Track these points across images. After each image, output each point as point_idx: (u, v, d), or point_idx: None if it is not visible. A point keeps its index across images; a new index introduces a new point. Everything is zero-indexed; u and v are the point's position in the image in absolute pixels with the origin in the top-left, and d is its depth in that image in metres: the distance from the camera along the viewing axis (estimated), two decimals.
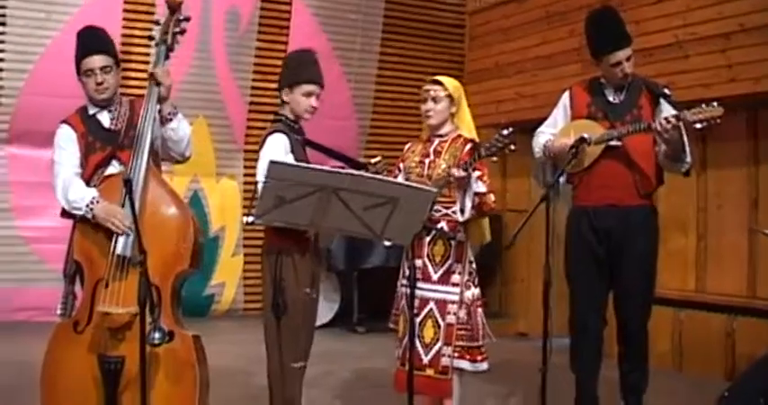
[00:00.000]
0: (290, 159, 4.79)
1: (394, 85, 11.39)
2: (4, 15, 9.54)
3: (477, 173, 5.07)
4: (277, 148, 4.84)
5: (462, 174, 4.93)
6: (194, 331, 4.89)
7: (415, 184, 4.70)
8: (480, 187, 5.11)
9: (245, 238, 10.50)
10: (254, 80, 10.59)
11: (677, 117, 5.13)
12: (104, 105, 5.06)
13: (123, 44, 9.37)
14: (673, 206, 8.48)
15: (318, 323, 9.36)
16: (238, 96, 10.58)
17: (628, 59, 5.51)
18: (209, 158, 10.47)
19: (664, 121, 5.13)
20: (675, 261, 8.48)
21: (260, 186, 4.19)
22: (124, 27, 9.79)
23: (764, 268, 7.79)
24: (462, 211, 5.12)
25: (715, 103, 5.08)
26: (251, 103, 10.61)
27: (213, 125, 10.42)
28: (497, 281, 10.97)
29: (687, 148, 5.41)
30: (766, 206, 7.87)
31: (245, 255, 10.55)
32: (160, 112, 4.97)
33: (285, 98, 5.05)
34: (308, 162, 4.97)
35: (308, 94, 5.04)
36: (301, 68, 5.10)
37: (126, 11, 9.93)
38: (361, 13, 11.21)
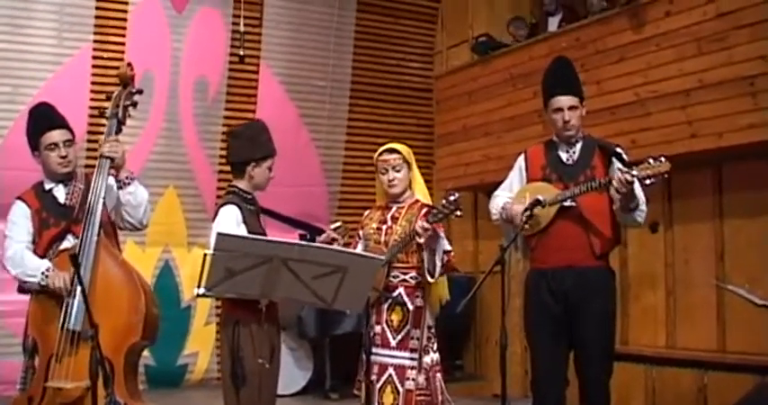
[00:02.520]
0: (242, 230, 4.82)
1: (363, 151, 11.36)
2: None
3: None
4: (228, 219, 4.88)
5: (428, 227, 4.93)
6: (165, 402, 4.90)
7: (362, 253, 4.74)
8: (447, 245, 5.17)
9: (218, 307, 10.42)
10: (222, 149, 10.55)
11: (627, 172, 5.17)
12: (62, 180, 5.11)
13: (91, 116, 9.37)
14: (641, 262, 8.53)
15: (291, 391, 9.46)
16: (207, 165, 10.58)
17: (571, 109, 5.58)
18: (181, 228, 10.43)
19: (623, 176, 5.15)
20: (646, 317, 8.50)
21: (208, 258, 4.19)
22: (92, 99, 9.80)
23: (733, 322, 7.78)
24: (431, 271, 5.13)
25: (662, 158, 5.09)
26: (220, 171, 10.60)
27: (183, 195, 10.40)
28: (472, 343, 10.93)
29: (640, 199, 5.42)
30: (732, 260, 7.88)
31: (218, 323, 10.48)
32: (117, 177, 5.01)
33: (252, 172, 5.11)
34: (264, 232, 5.01)
35: (271, 167, 5.12)
36: (263, 141, 5.17)
37: (93, 83, 9.95)
38: (328, 80, 11.26)
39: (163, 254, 10.33)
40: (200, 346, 10.47)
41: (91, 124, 9.37)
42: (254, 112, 10.73)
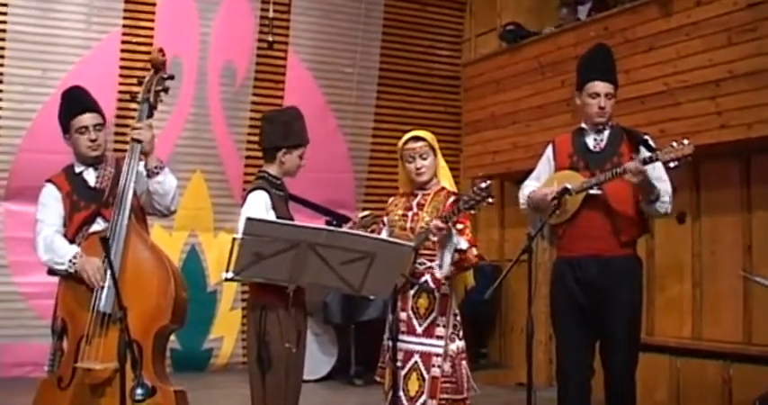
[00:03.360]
0: (271, 216, 4.84)
1: (390, 138, 11.35)
2: (1, 73, 9.62)
3: (458, 226, 5.09)
4: (257, 204, 4.89)
5: (441, 225, 4.94)
6: (190, 385, 4.93)
7: (391, 239, 4.75)
8: (462, 243, 5.12)
9: (243, 292, 10.48)
10: (249, 134, 10.62)
11: (648, 159, 5.16)
12: (93, 163, 5.15)
13: (120, 100, 9.43)
14: (668, 253, 8.50)
15: (316, 376, 9.49)
16: (234, 151, 10.63)
17: (607, 97, 5.58)
18: (207, 213, 10.49)
19: (632, 165, 5.16)
20: (672, 308, 8.47)
21: (237, 243, 4.21)
22: (120, 84, 9.85)
23: (760, 314, 7.76)
24: (440, 267, 5.14)
25: (686, 141, 5.09)
26: (247, 157, 10.64)
27: (210, 180, 10.46)
28: (497, 331, 10.94)
29: (662, 189, 5.43)
30: (759, 251, 7.85)
31: (244, 308, 10.53)
32: (146, 166, 5.04)
33: (282, 159, 5.11)
34: (291, 218, 5.02)
35: (302, 155, 5.12)
36: (297, 129, 5.18)
37: (122, 67, 10.01)
38: (356, 67, 11.29)
39: (189, 238, 10.41)
40: (226, 331, 10.53)
41: (119, 108, 9.42)
42: (281, 98, 10.78)
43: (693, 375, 8.03)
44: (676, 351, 8.20)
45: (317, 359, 9.59)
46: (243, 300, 10.46)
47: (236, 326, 10.56)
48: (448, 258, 5.09)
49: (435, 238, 5.04)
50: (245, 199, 5.03)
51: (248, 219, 4.19)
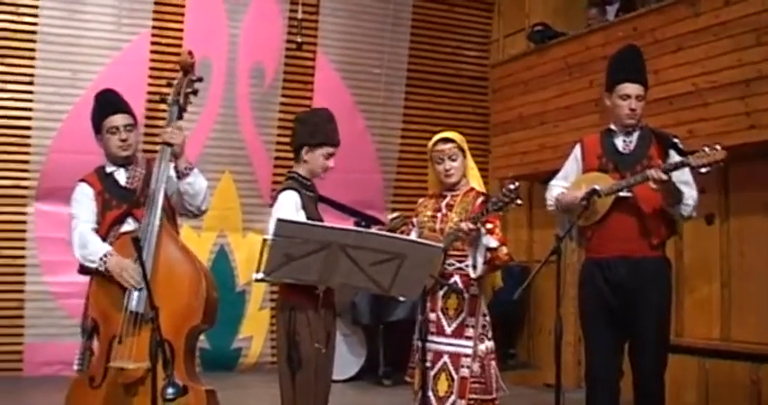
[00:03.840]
0: (301, 216, 4.86)
1: (419, 139, 11.38)
2: (32, 75, 9.72)
3: (488, 225, 5.11)
4: (288, 205, 4.91)
5: (471, 226, 4.96)
6: (219, 385, 4.96)
7: (421, 240, 4.76)
8: (491, 242, 5.14)
9: (272, 292, 10.52)
10: (278, 135, 10.67)
11: (680, 164, 5.16)
12: (123, 164, 5.22)
13: (149, 101, 9.50)
14: (697, 254, 8.48)
15: (345, 376, 9.52)
16: (263, 151, 10.69)
17: (638, 98, 5.58)
18: (236, 213, 10.55)
19: (654, 172, 5.17)
20: (700, 309, 8.46)
21: (268, 244, 4.23)
22: (150, 84, 9.94)
23: None
24: (475, 267, 5.16)
25: (718, 146, 5.08)
26: (276, 157, 10.69)
27: (239, 180, 10.52)
28: (525, 332, 10.95)
29: (686, 193, 5.43)
30: None
31: (272, 308, 10.57)
32: (176, 167, 5.08)
33: (306, 157, 5.14)
34: (321, 219, 5.04)
35: (329, 156, 5.14)
36: (323, 129, 5.19)
37: (152, 69, 10.09)
38: (384, 68, 11.32)
39: (218, 239, 10.48)
40: (255, 331, 10.59)
41: (149, 109, 9.49)
42: (310, 98, 10.84)
43: (722, 377, 8.01)
44: (705, 352, 8.18)
45: (346, 359, 9.62)
46: (272, 300, 10.51)
47: (265, 326, 10.61)
48: (480, 258, 5.11)
49: (466, 239, 5.05)
50: (275, 199, 5.05)
51: (279, 220, 4.22)
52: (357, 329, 9.86)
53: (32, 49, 9.72)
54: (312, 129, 5.17)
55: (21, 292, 9.75)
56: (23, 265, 9.80)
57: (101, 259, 4.87)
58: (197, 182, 5.18)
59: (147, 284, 4.31)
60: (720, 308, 8.37)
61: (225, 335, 10.12)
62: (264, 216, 10.56)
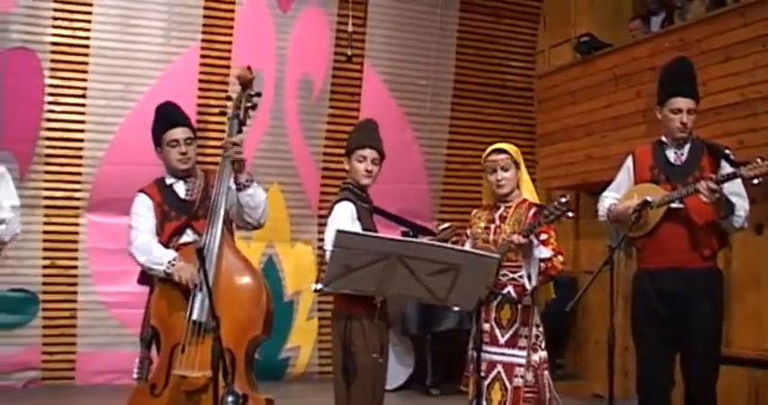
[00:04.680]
0: (356, 227, 4.93)
1: (465, 149, 11.47)
2: (85, 88, 9.88)
3: (542, 236, 5.15)
4: (344, 216, 4.99)
5: (523, 240, 5.02)
6: (269, 395, 5.02)
7: (477, 251, 4.81)
8: (544, 253, 5.16)
9: (320, 303, 10.60)
10: (326, 146, 10.78)
11: (732, 175, 5.19)
12: (183, 176, 5.30)
13: (199, 113, 9.62)
14: (746, 263, 8.45)
15: (393, 386, 9.56)
16: (311, 163, 10.78)
17: (690, 112, 5.62)
18: (284, 224, 10.63)
19: (704, 185, 5.20)
20: (750, 319, 8.42)
21: (327, 255, 4.31)
22: (199, 97, 10.07)
23: None
24: (529, 278, 5.20)
25: None
26: (324, 168, 10.79)
27: (287, 191, 10.61)
28: (571, 343, 10.95)
29: (737, 204, 5.44)
30: None
31: (320, 318, 10.64)
32: (237, 180, 5.17)
33: (346, 166, 5.25)
34: (375, 229, 5.11)
35: (361, 159, 5.21)
36: (356, 136, 5.34)
37: (201, 81, 10.22)
38: (431, 79, 11.38)
39: (266, 249, 10.56)
40: (302, 341, 10.67)
41: (199, 121, 9.59)
42: (357, 110, 10.93)
43: None
44: (755, 363, 8.15)
45: (394, 369, 9.65)
46: (320, 309, 10.60)
47: (313, 335, 10.69)
48: (534, 269, 5.15)
49: (519, 251, 5.11)
50: (331, 209, 5.14)
51: (338, 231, 4.29)
52: (405, 339, 9.92)
53: (85, 63, 9.88)
54: (349, 139, 5.34)
55: (74, 301, 9.90)
56: (76, 276, 9.95)
57: (169, 262, 4.95)
58: (257, 194, 5.26)
59: (209, 294, 4.39)
60: None
61: (273, 345, 10.14)
62: (312, 227, 10.73)
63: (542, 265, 5.15)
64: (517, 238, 5.03)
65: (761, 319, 8.40)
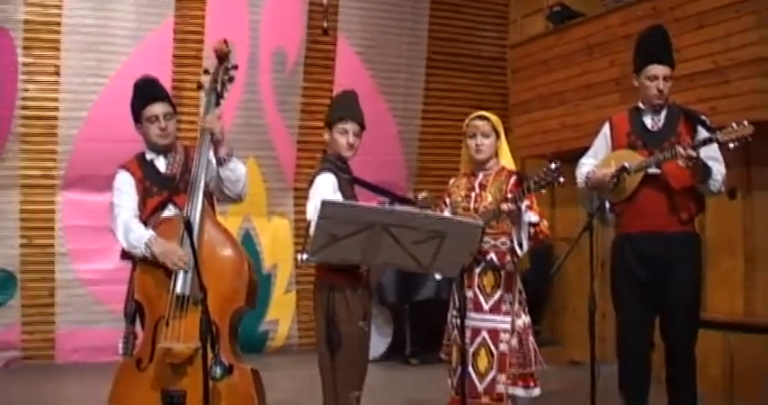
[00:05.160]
0: (338, 198, 4.94)
1: (439, 120, 11.53)
2: (58, 65, 9.83)
3: (525, 202, 5.21)
4: (325, 187, 4.99)
5: (512, 207, 5.07)
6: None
7: (461, 219, 4.86)
8: (533, 217, 5.25)
9: (298, 275, 10.65)
10: (301, 119, 10.79)
11: (708, 140, 5.25)
12: (163, 151, 5.30)
13: (174, 89, 9.57)
14: (719, 229, 8.52)
15: (372, 356, 9.48)
16: (287, 136, 10.79)
17: (666, 79, 5.68)
18: (261, 198, 10.63)
19: (682, 150, 5.26)
20: (723, 284, 8.49)
21: (312, 225, 4.33)
22: (174, 72, 10.04)
23: None
24: (520, 245, 5.26)
25: (746, 122, 5.17)
26: (299, 141, 10.80)
27: (263, 165, 10.60)
28: (548, 309, 11.04)
29: (714, 168, 5.52)
30: None
31: (298, 291, 10.70)
32: (217, 154, 5.19)
33: (326, 137, 5.24)
34: (356, 200, 5.13)
35: (343, 132, 5.19)
36: (336, 107, 5.32)
37: (175, 56, 10.19)
38: (404, 50, 11.41)
39: (244, 223, 10.57)
40: (281, 314, 10.71)
41: (174, 96, 9.47)
42: (331, 82, 10.93)
43: (747, 351, 8.06)
44: (729, 326, 8.22)
45: (373, 339, 9.55)
46: (298, 282, 10.65)
47: (291, 308, 10.74)
48: (525, 234, 5.21)
49: (509, 218, 5.15)
50: (312, 181, 5.14)
51: (324, 201, 4.30)
52: (383, 309, 9.95)
53: (58, 40, 9.83)
54: (329, 109, 5.33)
55: (52, 280, 9.89)
56: (53, 254, 9.93)
57: (145, 245, 4.95)
58: (237, 168, 5.28)
59: (197, 266, 4.41)
60: (744, 282, 8.42)
61: (252, 318, 10.06)
62: (288, 200, 10.75)
63: (531, 229, 5.21)
64: (507, 207, 5.08)
65: (734, 283, 8.48)
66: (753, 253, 8.38)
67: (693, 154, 5.24)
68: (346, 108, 5.28)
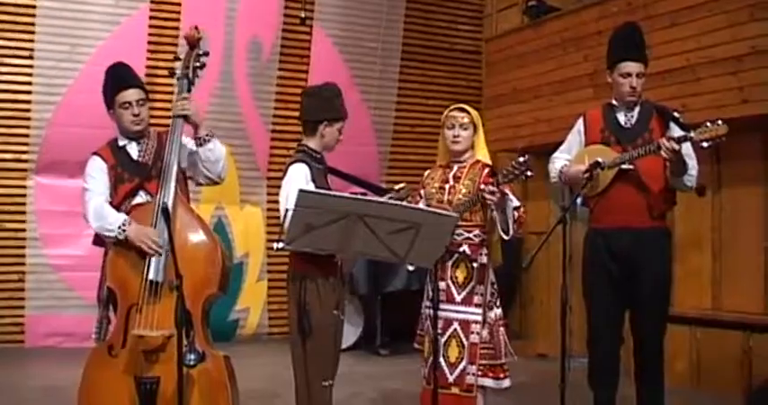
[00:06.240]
0: (310, 188, 4.96)
1: (413, 112, 11.59)
2: (32, 49, 9.81)
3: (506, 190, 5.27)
4: (298, 177, 5.01)
5: (494, 189, 5.10)
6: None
7: (436, 210, 4.89)
8: (515, 201, 5.34)
9: (269, 264, 10.69)
10: (276, 109, 10.81)
11: (683, 138, 5.30)
12: (135, 137, 5.28)
13: (148, 75, 9.55)
14: (688, 225, 8.60)
15: (342, 346, 9.59)
16: (261, 125, 10.81)
17: (639, 76, 5.72)
18: (234, 186, 10.65)
19: (666, 142, 5.30)
20: (691, 280, 8.59)
21: (289, 214, 4.35)
22: (148, 58, 10.02)
23: None
24: (506, 230, 5.30)
25: (720, 121, 5.22)
26: (273, 131, 10.83)
27: (237, 153, 10.59)
28: (517, 303, 11.10)
29: (691, 163, 5.57)
30: None
31: (270, 280, 10.73)
32: (197, 134, 5.21)
33: (324, 131, 5.23)
34: (330, 190, 5.15)
35: (341, 130, 5.26)
36: (337, 104, 5.30)
37: (150, 43, 10.18)
38: (380, 42, 11.43)
39: (216, 211, 10.61)
40: (252, 302, 10.75)
41: (148, 83, 9.46)
42: (306, 72, 10.96)
43: (714, 346, 8.17)
44: (696, 322, 8.33)
45: (344, 329, 9.74)
46: (269, 271, 10.66)
47: (262, 297, 10.77)
48: (511, 219, 5.27)
49: (492, 201, 5.16)
50: (285, 171, 5.14)
51: (300, 190, 4.32)
52: (354, 300, 9.97)
53: (32, 24, 9.81)
54: (328, 104, 5.28)
55: (22, 264, 9.90)
56: (24, 238, 9.94)
57: (119, 228, 4.93)
58: (216, 148, 5.28)
59: (173, 253, 4.42)
60: (711, 278, 8.53)
61: (222, 306, 10.13)
62: (261, 189, 10.77)
63: (515, 213, 5.26)
64: (490, 189, 5.10)
65: (702, 279, 8.58)
66: (720, 249, 8.46)
67: (677, 147, 5.28)
68: (343, 107, 5.34)
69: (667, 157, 5.34)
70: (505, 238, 5.33)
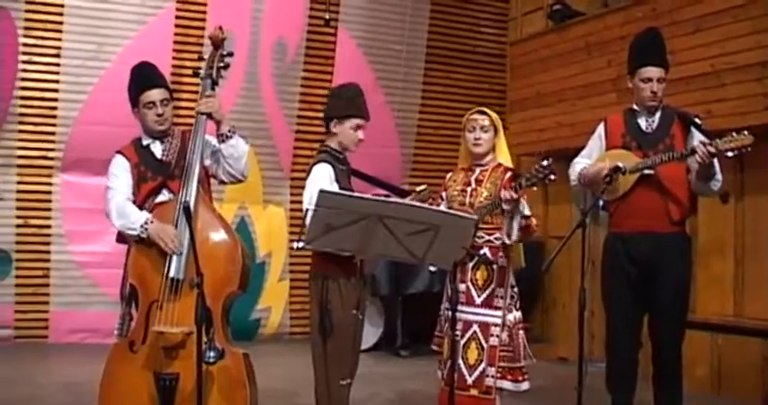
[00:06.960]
0: (334, 188, 4.98)
1: (437, 114, 11.60)
2: (59, 48, 9.88)
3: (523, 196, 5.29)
4: (322, 177, 5.04)
5: (514, 195, 5.14)
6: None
7: (456, 212, 4.93)
8: (527, 210, 5.35)
9: (291, 264, 10.71)
10: (300, 109, 10.84)
11: (710, 145, 5.30)
12: (159, 136, 5.32)
13: (173, 75, 9.59)
14: (711, 232, 8.59)
15: (363, 347, 9.61)
16: (285, 125, 10.84)
17: (660, 81, 5.74)
18: (257, 186, 10.68)
19: (706, 149, 5.30)
20: (714, 286, 8.57)
21: (309, 214, 4.38)
22: (174, 58, 10.06)
23: None
24: (509, 235, 5.33)
25: (745, 132, 5.23)
26: (297, 131, 10.85)
27: (260, 153, 10.62)
28: (539, 306, 11.10)
29: (717, 168, 5.57)
30: None
31: (292, 280, 10.74)
32: (219, 131, 5.23)
33: (334, 129, 5.26)
34: (353, 191, 5.17)
35: (357, 127, 5.27)
36: (352, 102, 5.31)
37: (176, 42, 10.22)
38: (404, 44, 11.44)
39: (239, 210, 10.64)
40: (273, 302, 10.77)
41: (173, 82, 9.54)
42: (331, 73, 10.98)
43: (735, 353, 8.15)
44: (718, 328, 8.30)
45: (364, 330, 9.76)
46: (291, 271, 10.70)
47: (284, 297, 10.79)
48: (516, 225, 5.29)
49: (507, 208, 5.22)
50: (309, 171, 5.19)
51: (321, 191, 4.36)
52: (375, 301, 10.00)
53: (60, 22, 9.87)
54: (341, 102, 5.31)
55: (47, 260, 9.96)
56: (49, 235, 10.00)
57: (142, 226, 4.98)
58: (239, 144, 5.29)
59: (194, 251, 4.46)
60: (734, 285, 8.49)
61: (244, 305, 10.22)
62: (284, 189, 10.81)
63: (523, 221, 5.28)
64: (509, 194, 5.15)
65: (724, 285, 8.55)
66: (743, 256, 8.44)
67: (714, 150, 5.28)
68: (361, 104, 5.35)
69: (707, 161, 5.33)
70: (507, 242, 5.37)
